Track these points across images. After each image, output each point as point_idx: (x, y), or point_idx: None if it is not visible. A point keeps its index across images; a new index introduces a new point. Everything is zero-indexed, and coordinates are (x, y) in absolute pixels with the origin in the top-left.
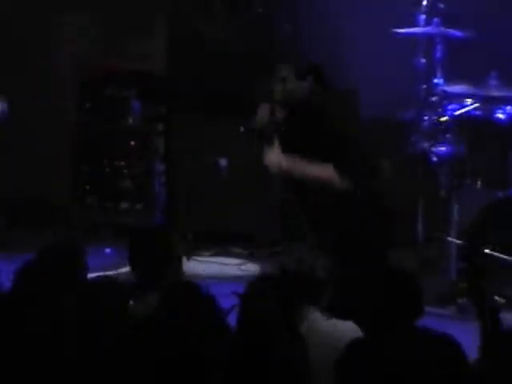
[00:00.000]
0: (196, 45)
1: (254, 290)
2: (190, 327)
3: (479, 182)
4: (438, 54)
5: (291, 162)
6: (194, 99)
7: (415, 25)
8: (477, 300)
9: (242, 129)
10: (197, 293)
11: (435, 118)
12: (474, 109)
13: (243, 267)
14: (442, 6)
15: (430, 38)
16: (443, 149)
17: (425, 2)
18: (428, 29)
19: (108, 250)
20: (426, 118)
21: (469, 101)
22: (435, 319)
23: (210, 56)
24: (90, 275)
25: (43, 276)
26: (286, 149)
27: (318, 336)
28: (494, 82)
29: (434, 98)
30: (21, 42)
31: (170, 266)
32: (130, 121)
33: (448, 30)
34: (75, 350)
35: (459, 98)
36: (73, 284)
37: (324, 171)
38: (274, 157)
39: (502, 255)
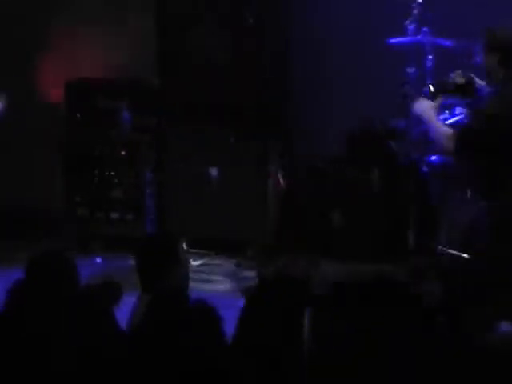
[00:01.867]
0: (187, 56)
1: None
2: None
3: (470, 192)
4: (428, 63)
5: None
6: (185, 110)
7: (405, 34)
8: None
9: (232, 139)
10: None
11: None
12: (464, 118)
13: None
14: (431, 14)
15: (419, 47)
16: (434, 158)
17: (415, 12)
18: (418, 38)
19: (99, 260)
20: (416, 127)
21: (459, 110)
22: None
23: (201, 67)
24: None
25: (33, 289)
26: None
27: None
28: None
29: None
30: (10, 50)
31: (171, 269)
32: (121, 131)
33: (438, 39)
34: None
35: (449, 107)
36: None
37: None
38: (424, 103)
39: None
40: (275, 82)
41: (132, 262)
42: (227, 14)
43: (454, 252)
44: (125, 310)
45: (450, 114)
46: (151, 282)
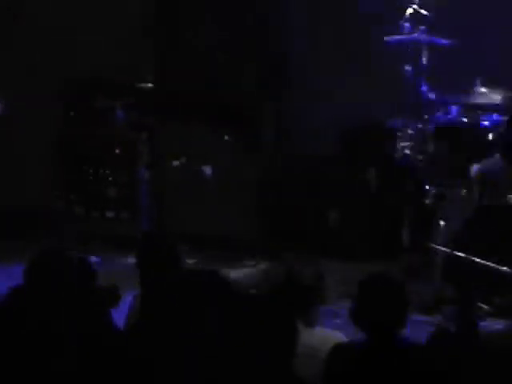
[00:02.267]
0: (183, 56)
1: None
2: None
3: (464, 190)
4: (424, 62)
5: None
6: (180, 109)
7: (402, 33)
8: (463, 307)
9: (226, 137)
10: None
11: (422, 125)
12: (460, 116)
13: None
14: (427, 13)
15: (416, 45)
16: (429, 157)
17: (410, 11)
18: (414, 36)
19: (94, 259)
20: (412, 125)
21: (455, 108)
22: (420, 327)
23: (197, 67)
24: None
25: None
26: None
27: (301, 347)
28: (479, 90)
29: (420, 106)
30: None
31: (171, 268)
32: (115, 130)
33: (433, 37)
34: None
35: (445, 105)
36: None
37: None
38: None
39: (486, 262)
40: (273, 82)
41: (128, 260)
42: (227, 14)
43: (449, 250)
44: (123, 308)
45: (445, 111)
46: (151, 281)
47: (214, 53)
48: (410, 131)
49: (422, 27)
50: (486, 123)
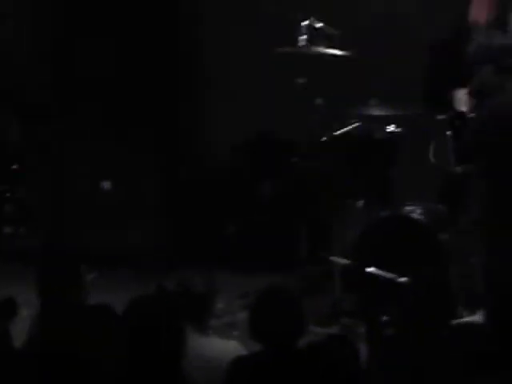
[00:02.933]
0: (82, 65)
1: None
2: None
3: (361, 202)
4: (319, 74)
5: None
6: (77, 122)
7: (296, 45)
8: (366, 319)
9: (126, 151)
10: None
11: (316, 137)
12: (355, 128)
13: None
14: (322, 25)
15: (310, 57)
16: (325, 169)
17: (306, 22)
18: (309, 48)
19: None
20: (307, 137)
21: (350, 120)
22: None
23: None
24: None
25: None
26: None
27: (198, 357)
28: (374, 102)
29: (315, 118)
30: None
31: (71, 286)
32: (13, 144)
33: (328, 49)
34: None
35: (340, 117)
36: None
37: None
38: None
39: (384, 273)
40: (167, 92)
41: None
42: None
43: (346, 262)
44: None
45: (340, 123)
46: (51, 299)
47: (101, 64)
48: (303, 143)
49: (317, 39)
50: (382, 135)
